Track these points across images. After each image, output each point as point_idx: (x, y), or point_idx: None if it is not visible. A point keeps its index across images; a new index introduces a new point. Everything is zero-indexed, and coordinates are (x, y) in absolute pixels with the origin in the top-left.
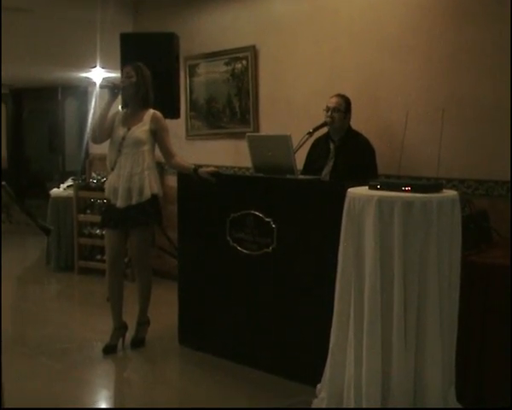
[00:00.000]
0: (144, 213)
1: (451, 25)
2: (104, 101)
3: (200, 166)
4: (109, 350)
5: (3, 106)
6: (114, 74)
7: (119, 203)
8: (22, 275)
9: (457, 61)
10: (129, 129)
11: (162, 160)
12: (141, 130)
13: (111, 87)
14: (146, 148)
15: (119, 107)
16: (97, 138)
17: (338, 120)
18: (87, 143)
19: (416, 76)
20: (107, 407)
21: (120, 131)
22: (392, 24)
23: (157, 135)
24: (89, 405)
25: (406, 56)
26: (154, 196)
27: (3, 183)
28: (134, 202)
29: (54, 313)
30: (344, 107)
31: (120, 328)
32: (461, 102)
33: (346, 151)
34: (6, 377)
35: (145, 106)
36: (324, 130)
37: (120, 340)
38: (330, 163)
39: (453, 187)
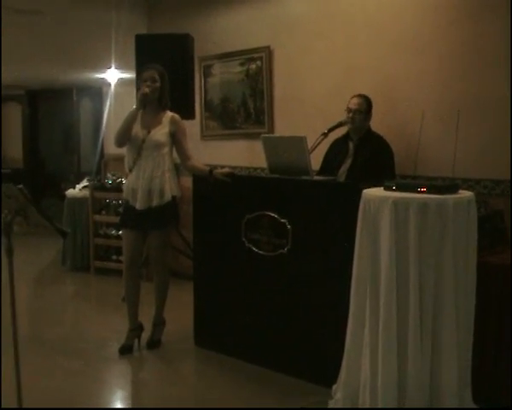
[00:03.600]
0: (164, 215)
1: (469, 23)
2: (125, 108)
3: (215, 166)
4: (125, 350)
5: (19, 107)
6: (129, 75)
7: (139, 205)
8: (38, 275)
9: (474, 60)
10: (149, 132)
11: (178, 161)
12: (161, 132)
13: (141, 98)
14: (166, 150)
15: (133, 107)
16: (122, 143)
17: (359, 122)
18: (102, 144)
19: (432, 75)
20: (123, 407)
21: (140, 134)
22: (408, 23)
23: (175, 137)
24: (104, 405)
25: (422, 55)
26: (173, 198)
27: (21, 186)
28: (154, 204)
29: (69, 313)
30: (365, 108)
31: (136, 328)
32: (477, 102)
33: (364, 151)
34: (23, 376)
35: (163, 108)
36: (343, 130)
37: (136, 340)
38: (348, 161)
39: (469, 187)
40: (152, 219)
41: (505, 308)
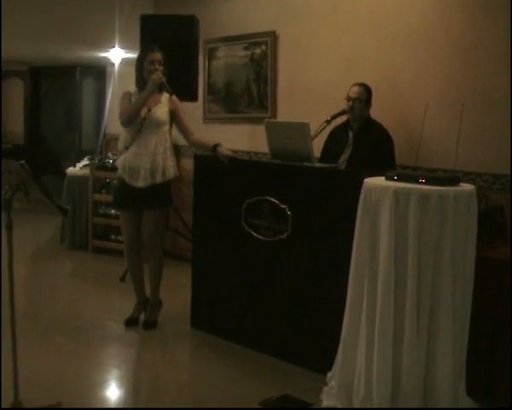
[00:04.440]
0: (164, 193)
1: (471, 17)
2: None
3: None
4: (131, 323)
5: (21, 83)
6: (133, 55)
7: (141, 183)
8: (36, 252)
9: (477, 54)
10: (149, 110)
11: (177, 141)
12: (162, 111)
13: (160, 83)
14: (166, 128)
15: (135, 87)
16: (130, 124)
17: (358, 110)
18: (105, 124)
19: (436, 68)
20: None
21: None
22: (413, 15)
23: (176, 114)
24: (99, 384)
25: (426, 47)
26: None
27: (23, 162)
28: (158, 181)
29: (67, 292)
30: (365, 97)
31: (142, 302)
32: (479, 96)
33: (364, 140)
34: (19, 354)
35: (160, 89)
36: (343, 118)
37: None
38: (348, 150)
39: (470, 180)
40: (153, 197)
41: (503, 304)
